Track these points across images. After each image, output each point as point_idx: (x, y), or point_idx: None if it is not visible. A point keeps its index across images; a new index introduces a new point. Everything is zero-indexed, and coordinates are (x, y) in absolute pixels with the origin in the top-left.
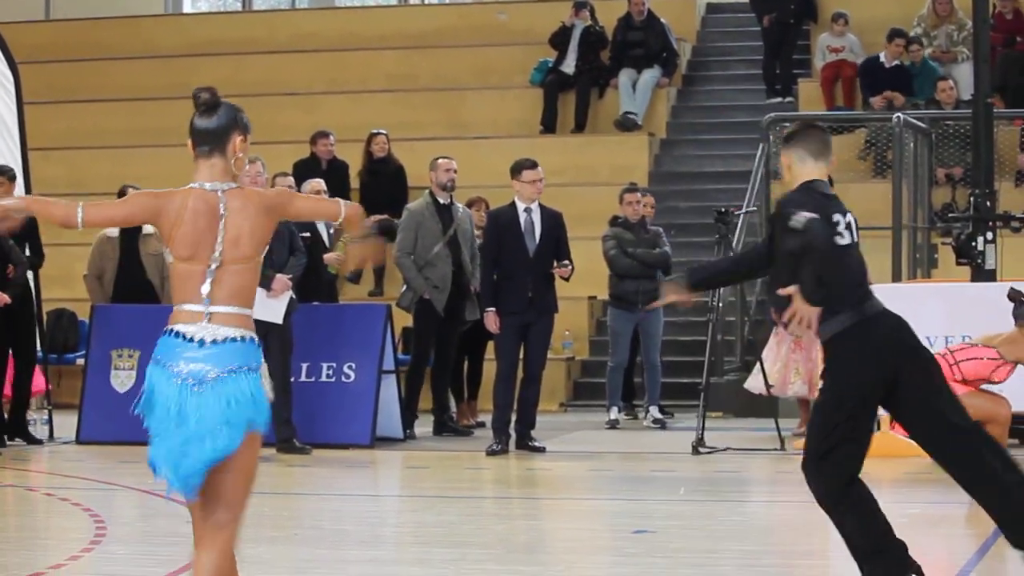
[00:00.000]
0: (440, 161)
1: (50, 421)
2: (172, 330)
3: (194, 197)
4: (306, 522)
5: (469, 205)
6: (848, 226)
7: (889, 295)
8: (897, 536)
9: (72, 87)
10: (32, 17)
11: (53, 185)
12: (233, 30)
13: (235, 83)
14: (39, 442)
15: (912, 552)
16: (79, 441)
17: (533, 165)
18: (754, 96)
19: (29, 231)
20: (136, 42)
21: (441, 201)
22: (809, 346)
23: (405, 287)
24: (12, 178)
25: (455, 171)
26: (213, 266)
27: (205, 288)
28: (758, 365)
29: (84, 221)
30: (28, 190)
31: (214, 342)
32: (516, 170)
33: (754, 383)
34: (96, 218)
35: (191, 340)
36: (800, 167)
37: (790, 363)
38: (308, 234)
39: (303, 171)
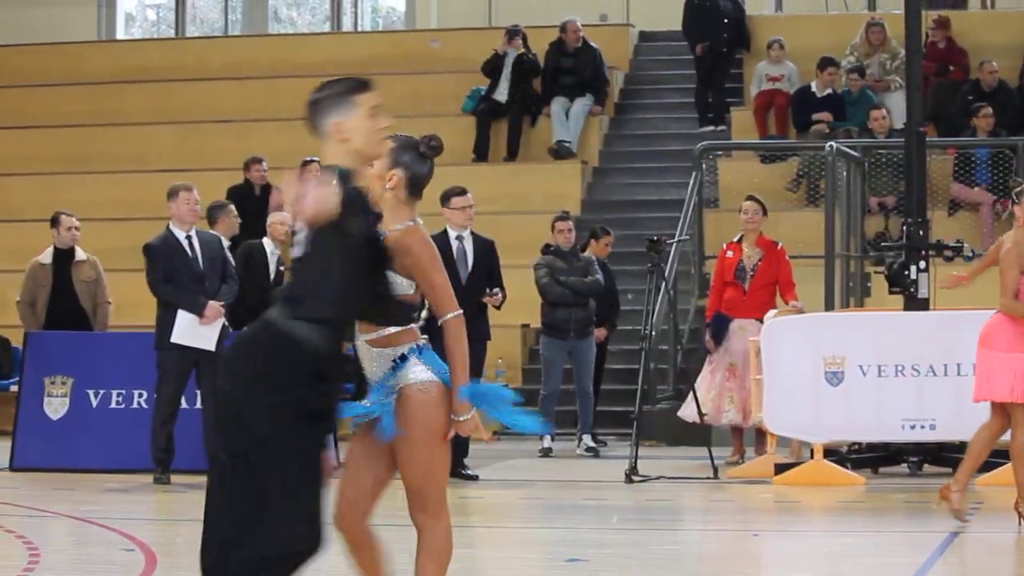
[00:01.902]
0: None
1: None
2: (426, 347)
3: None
4: None
5: None
6: None
7: (821, 324)
8: None
9: (4, 113)
10: None
11: None
12: (165, 57)
13: (167, 110)
14: None
15: None
16: (12, 468)
17: (462, 192)
18: (687, 124)
19: None
20: (67, 68)
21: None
22: (743, 374)
23: None
24: None
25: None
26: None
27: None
28: (692, 393)
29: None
30: None
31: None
32: (445, 197)
33: (687, 411)
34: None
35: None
36: None
37: (724, 391)
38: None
39: (238, 197)
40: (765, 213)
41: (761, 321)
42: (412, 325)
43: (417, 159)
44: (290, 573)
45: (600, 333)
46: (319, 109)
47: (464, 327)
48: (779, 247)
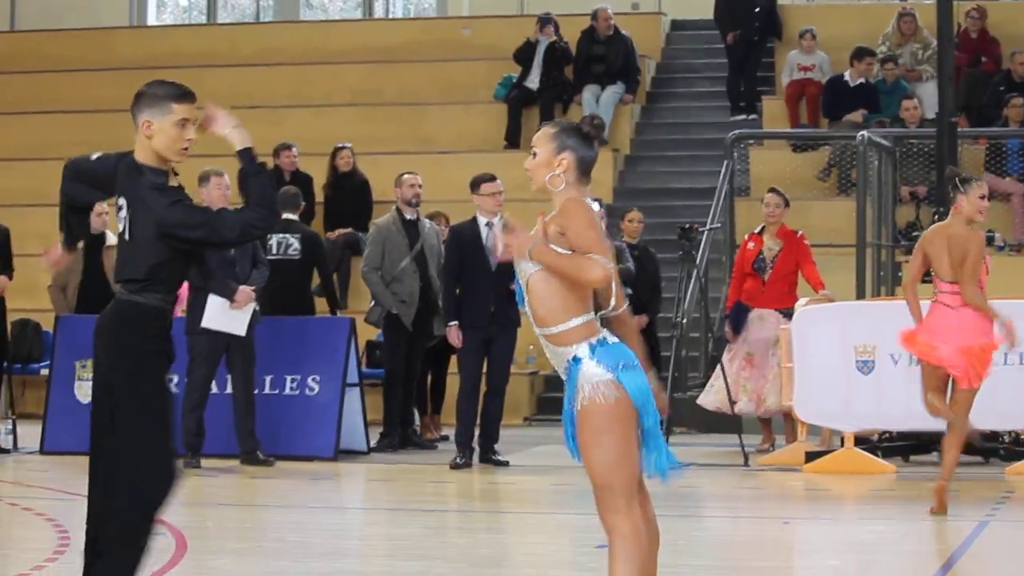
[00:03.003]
0: (405, 177)
1: (14, 431)
2: (603, 340)
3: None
4: (270, 534)
5: (429, 219)
6: None
7: (852, 312)
8: None
9: (36, 98)
10: None
11: (16, 196)
12: (197, 42)
13: (197, 96)
14: (4, 452)
15: (877, 569)
16: (43, 451)
17: (491, 179)
18: (718, 113)
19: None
20: (100, 53)
21: (407, 217)
22: (761, 364)
23: (373, 302)
24: None
25: (420, 186)
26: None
27: (615, 300)
28: (711, 381)
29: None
30: None
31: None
32: (475, 184)
33: (707, 399)
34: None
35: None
36: None
37: (740, 381)
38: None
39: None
40: (787, 205)
41: (780, 312)
42: (588, 317)
43: (583, 141)
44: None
45: (639, 320)
46: (138, 102)
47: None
48: (799, 236)
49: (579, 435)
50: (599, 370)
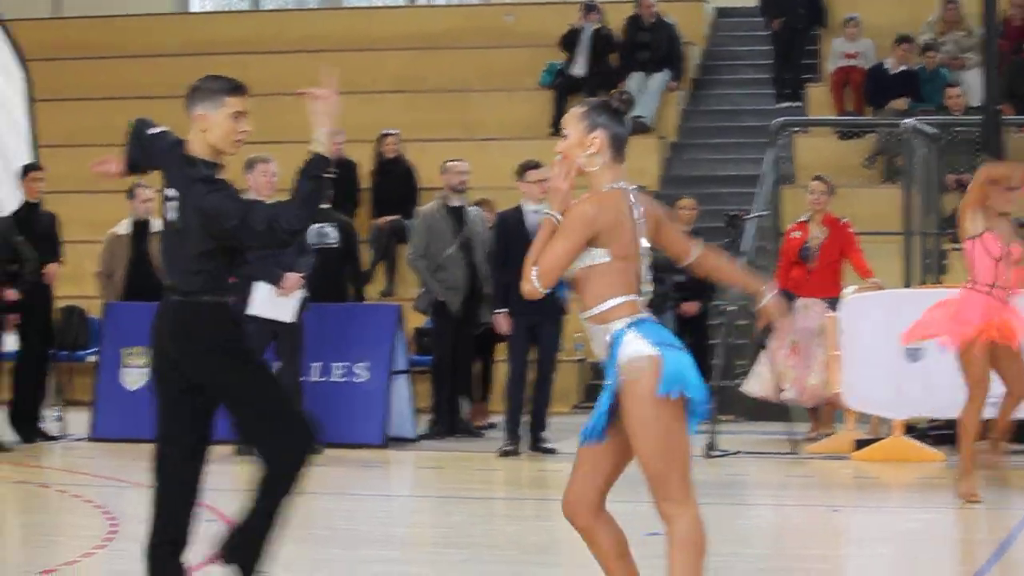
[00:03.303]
0: (451, 164)
1: (62, 418)
2: (644, 319)
3: (621, 197)
4: (319, 522)
5: (475, 207)
6: None
7: (901, 300)
8: None
9: (79, 85)
10: (41, 14)
11: (61, 182)
12: (240, 29)
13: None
14: (52, 439)
15: (926, 557)
16: (91, 438)
17: (537, 165)
18: (764, 100)
19: (47, 228)
20: (143, 40)
21: (453, 204)
22: (805, 353)
23: (423, 289)
24: None
25: (466, 173)
26: (647, 262)
27: (648, 286)
28: (754, 369)
29: (544, 286)
30: None
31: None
32: (520, 171)
33: (751, 386)
34: (554, 276)
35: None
36: None
37: (785, 369)
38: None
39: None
40: (832, 192)
41: (825, 300)
42: (630, 297)
43: (614, 118)
44: None
45: (690, 308)
46: (193, 96)
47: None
48: (844, 223)
49: (625, 419)
50: (641, 343)
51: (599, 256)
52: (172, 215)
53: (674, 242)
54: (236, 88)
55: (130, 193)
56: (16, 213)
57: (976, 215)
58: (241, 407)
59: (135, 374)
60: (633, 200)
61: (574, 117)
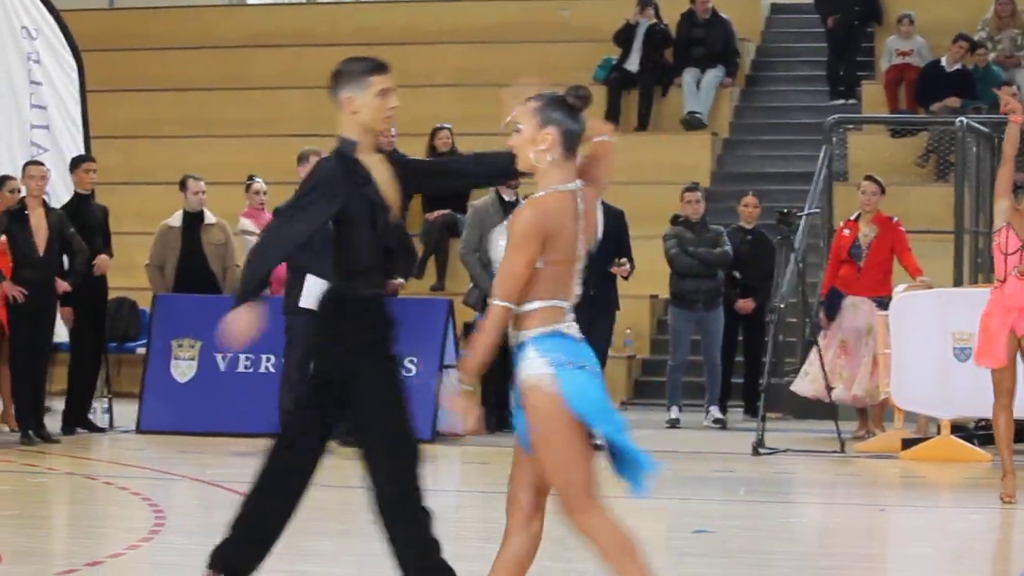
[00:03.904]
0: None
1: (110, 410)
2: (555, 332)
3: (568, 200)
4: (365, 516)
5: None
6: None
7: (950, 299)
8: None
9: (133, 76)
10: (96, 5)
11: (112, 173)
12: (295, 22)
13: (296, 75)
14: (100, 430)
15: (972, 558)
16: (139, 430)
17: None
18: (817, 97)
19: (99, 220)
20: (198, 32)
21: (506, 198)
22: (855, 351)
23: (472, 284)
24: None
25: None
26: (580, 265)
27: (577, 288)
28: (804, 368)
29: (509, 302)
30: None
31: (579, 339)
32: None
33: (800, 386)
34: (514, 291)
35: (578, 340)
36: None
37: (835, 368)
38: None
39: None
40: (883, 191)
41: (875, 300)
42: (552, 303)
43: (568, 114)
44: None
45: (745, 305)
46: (337, 81)
47: (501, 317)
48: (895, 222)
49: (529, 433)
50: (539, 362)
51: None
52: None
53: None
54: (379, 67)
55: (182, 185)
56: (68, 204)
57: (1000, 208)
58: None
59: (184, 366)
60: (579, 201)
61: (528, 111)
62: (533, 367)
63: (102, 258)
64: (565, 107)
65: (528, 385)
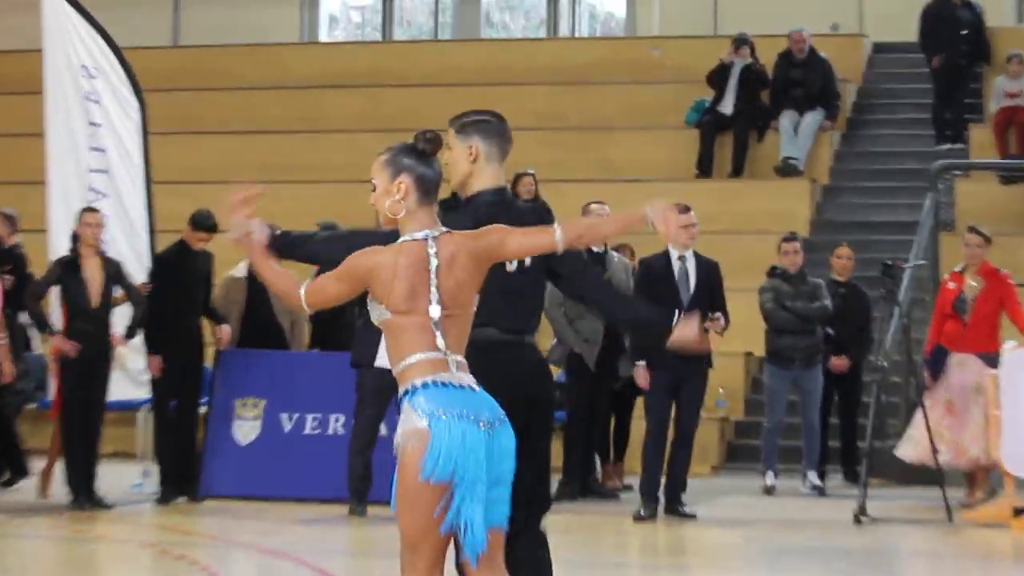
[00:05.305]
0: (593, 206)
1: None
2: (433, 381)
3: (416, 250)
4: None
5: (616, 251)
6: None
7: None
8: None
9: (198, 117)
10: (159, 43)
11: (178, 220)
12: (371, 60)
13: (371, 117)
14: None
15: None
16: (198, 496)
17: (685, 210)
18: (922, 142)
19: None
20: (267, 71)
21: (594, 249)
22: (961, 412)
23: (555, 340)
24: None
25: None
26: (436, 316)
27: (440, 340)
28: (908, 431)
29: (307, 304)
30: (151, 225)
31: (472, 388)
32: None
33: (904, 451)
34: (317, 300)
35: (460, 387)
36: None
37: (939, 429)
38: None
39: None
40: (989, 242)
41: (982, 356)
42: (421, 356)
43: (419, 160)
44: None
45: (839, 363)
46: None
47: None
48: (1003, 274)
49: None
50: (413, 416)
51: (381, 312)
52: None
53: (528, 247)
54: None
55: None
56: (168, 252)
57: None
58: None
59: (247, 427)
60: (432, 250)
61: (378, 165)
62: (408, 420)
63: (225, 330)
64: (415, 153)
65: (400, 437)
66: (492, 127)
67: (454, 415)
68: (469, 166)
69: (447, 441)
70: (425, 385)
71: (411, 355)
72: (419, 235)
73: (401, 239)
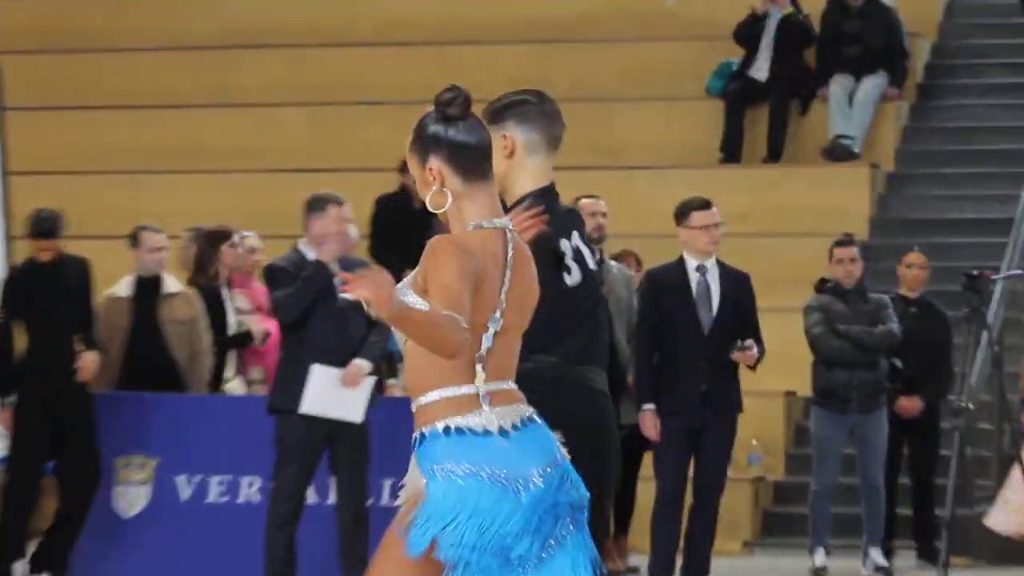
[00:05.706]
0: (584, 202)
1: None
2: (474, 429)
3: (491, 239)
4: None
5: (615, 260)
6: None
7: None
8: None
9: (66, 88)
10: None
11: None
12: (293, 15)
13: (296, 86)
14: None
15: None
16: None
17: (706, 205)
18: (1017, 115)
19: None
20: (158, 27)
21: (588, 260)
22: None
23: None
24: None
25: (604, 215)
26: (492, 330)
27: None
28: (1003, 494)
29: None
30: (7, 231)
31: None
32: (683, 213)
33: (996, 519)
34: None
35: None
36: None
37: None
38: None
39: (390, 210)
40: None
41: None
42: (456, 391)
43: (447, 127)
44: None
45: (910, 405)
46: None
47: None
48: None
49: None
50: (416, 472)
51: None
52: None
53: None
54: None
55: (133, 239)
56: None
57: None
58: None
59: (132, 494)
60: (510, 240)
61: (409, 148)
62: (413, 475)
63: (87, 358)
64: (441, 120)
65: (404, 498)
66: (532, 109)
67: (481, 477)
68: (506, 162)
69: (443, 503)
70: (464, 431)
71: (448, 388)
72: (497, 222)
73: (465, 227)
